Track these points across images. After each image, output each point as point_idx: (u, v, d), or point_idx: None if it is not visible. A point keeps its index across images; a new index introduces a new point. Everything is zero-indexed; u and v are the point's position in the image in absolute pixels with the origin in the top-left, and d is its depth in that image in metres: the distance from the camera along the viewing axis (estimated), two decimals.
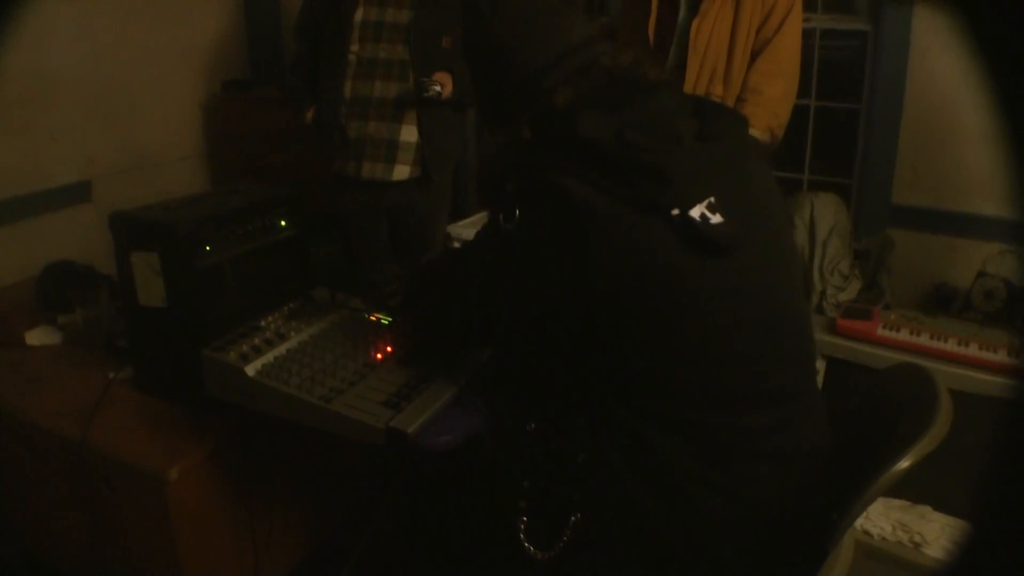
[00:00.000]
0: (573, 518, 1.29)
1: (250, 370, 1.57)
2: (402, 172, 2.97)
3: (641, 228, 1.18)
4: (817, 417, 1.34)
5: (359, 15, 2.93)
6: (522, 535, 1.35)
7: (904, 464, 1.19)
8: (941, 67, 3.27)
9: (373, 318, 1.81)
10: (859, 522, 1.64)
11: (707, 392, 1.23)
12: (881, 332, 2.77)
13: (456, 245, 3.42)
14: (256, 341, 1.66)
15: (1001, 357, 2.60)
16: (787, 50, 2.39)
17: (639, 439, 1.23)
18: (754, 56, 2.40)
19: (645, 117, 1.25)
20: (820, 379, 2.09)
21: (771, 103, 2.35)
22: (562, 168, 1.20)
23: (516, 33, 1.39)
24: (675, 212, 1.17)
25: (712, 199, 1.19)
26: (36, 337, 2.20)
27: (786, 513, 1.26)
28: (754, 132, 1.49)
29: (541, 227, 1.23)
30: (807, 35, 3.32)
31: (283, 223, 1.96)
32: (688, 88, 2.38)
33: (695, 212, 1.17)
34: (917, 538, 2.33)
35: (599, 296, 1.20)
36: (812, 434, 1.32)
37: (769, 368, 1.27)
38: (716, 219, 1.18)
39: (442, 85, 2.84)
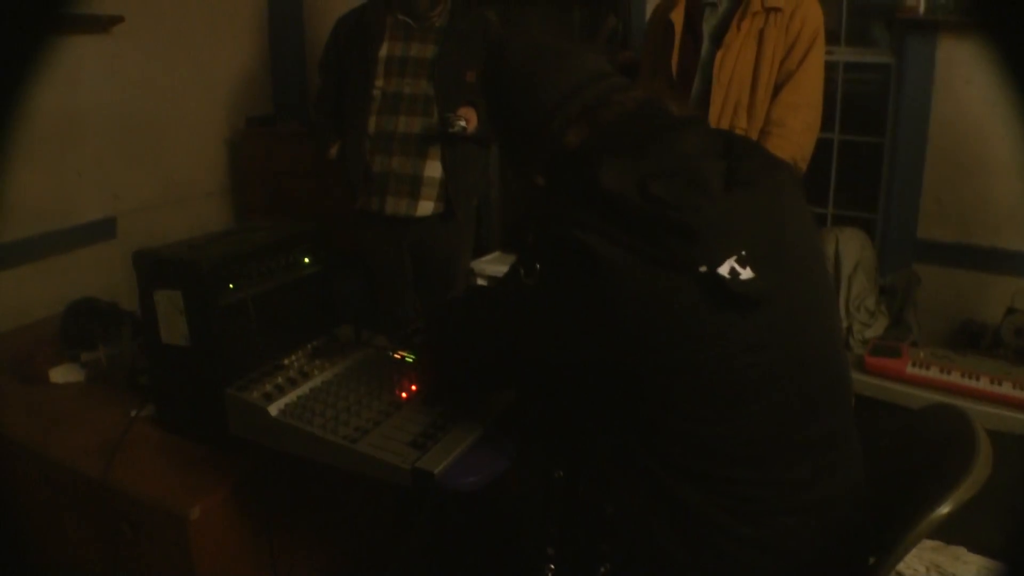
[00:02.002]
0: (602, 568, 1.26)
1: (273, 410, 1.56)
2: (426, 208, 2.97)
3: (666, 286, 1.13)
4: (852, 462, 1.30)
5: (384, 50, 2.95)
6: None
7: (944, 510, 1.16)
8: (965, 99, 3.26)
9: (398, 356, 1.79)
10: None
11: (739, 448, 1.19)
12: (911, 370, 2.73)
13: (481, 282, 3.42)
14: (279, 380, 1.65)
15: None
16: (810, 82, 2.38)
17: (669, 493, 1.20)
18: (777, 88, 2.40)
19: (670, 163, 1.20)
20: None
21: (795, 135, 2.34)
22: (584, 222, 1.16)
23: (523, 77, 1.36)
24: (703, 269, 1.12)
25: (743, 252, 1.14)
26: (60, 375, 2.20)
27: (819, 560, 1.23)
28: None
29: (562, 284, 1.19)
30: (830, 68, 3.31)
31: (307, 260, 1.96)
32: (712, 121, 2.38)
33: (724, 268, 1.12)
34: None
35: (623, 354, 1.17)
36: (846, 480, 1.28)
37: (803, 420, 1.22)
38: (746, 273, 1.13)
39: (467, 120, 2.84)
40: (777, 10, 2.34)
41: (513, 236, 1.31)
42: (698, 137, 1.27)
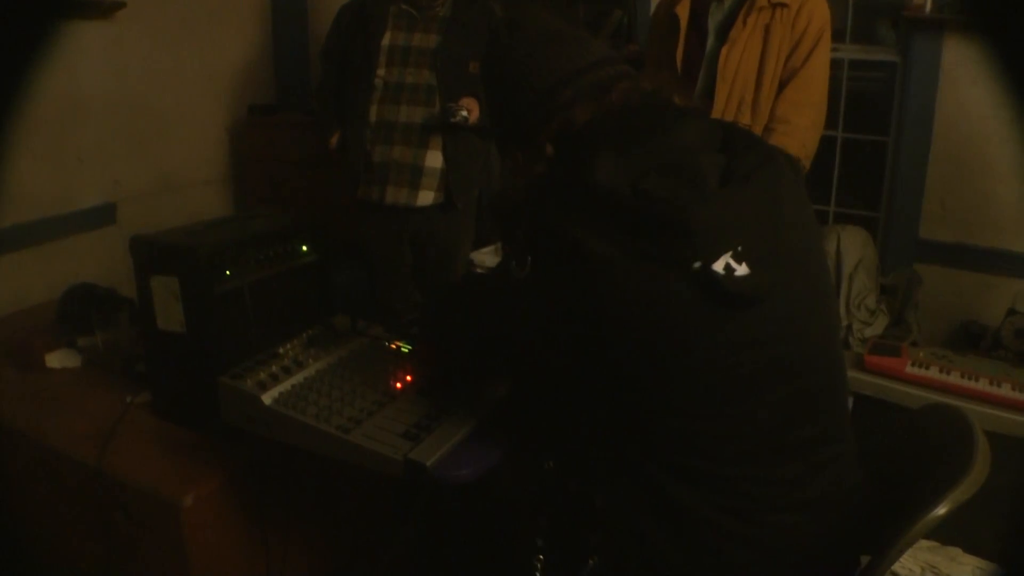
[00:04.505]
0: (591, 561, 1.26)
1: (267, 398, 1.55)
2: (426, 198, 2.96)
3: (658, 283, 1.11)
4: (847, 461, 1.29)
5: (386, 39, 2.94)
6: (538, 573, 1.33)
7: (941, 511, 1.15)
8: (971, 99, 3.25)
9: (393, 346, 1.79)
10: None
11: (732, 445, 1.17)
12: (910, 370, 2.72)
13: (479, 270, 3.41)
14: (274, 369, 1.64)
15: None
16: (816, 79, 2.37)
17: (659, 488, 1.19)
18: (782, 85, 2.38)
19: (667, 157, 1.18)
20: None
21: (799, 133, 2.33)
22: (576, 217, 1.15)
23: (533, 52, 1.35)
24: (696, 266, 1.10)
25: (739, 248, 1.12)
26: (56, 360, 2.19)
27: (809, 559, 1.22)
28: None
29: (553, 279, 1.18)
30: (835, 65, 3.30)
31: (304, 248, 1.95)
32: (716, 117, 2.36)
33: (718, 265, 1.10)
34: None
35: (614, 349, 1.15)
36: (841, 480, 1.26)
37: (798, 419, 1.21)
38: (742, 270, 1.11)
39: (469, 110, 2.84)
40: (783, 6, 2.32)
41: (503, 225, 1.29)
42: (698, 130, 1.25)
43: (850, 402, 2.71)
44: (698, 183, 1.15)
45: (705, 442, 1.17)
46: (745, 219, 1.15)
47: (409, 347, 1.77)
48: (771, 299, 1.15)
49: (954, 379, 2.67)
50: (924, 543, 2.38)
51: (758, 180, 1.19)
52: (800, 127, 2.33)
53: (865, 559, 1.25)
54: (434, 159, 2.93)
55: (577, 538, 1.29)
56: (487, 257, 3.51)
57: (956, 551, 2.38)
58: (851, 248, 3.14)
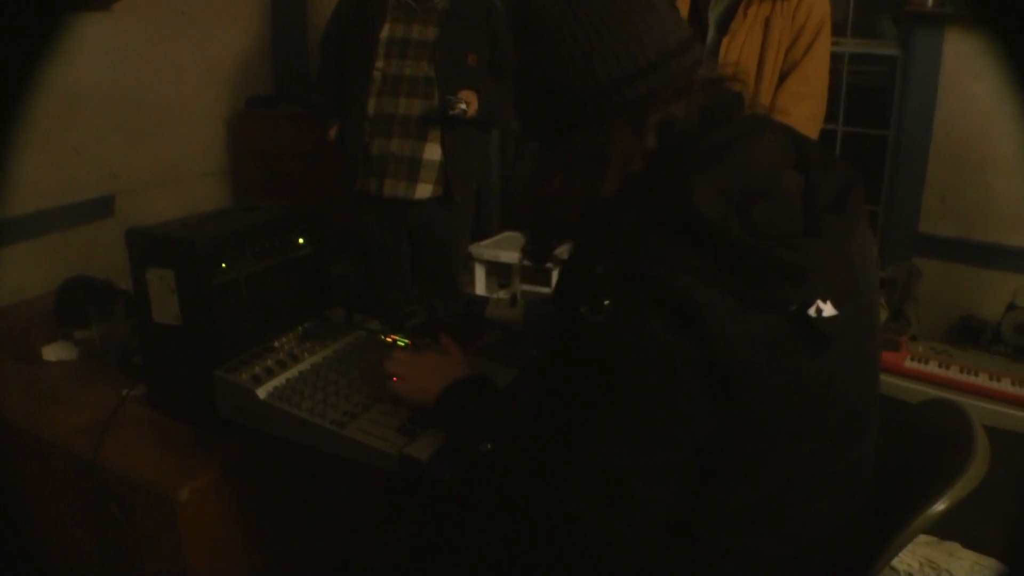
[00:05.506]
0: None
1: (261, 392, 1.54)
2: (424, 190, 2.96)
3: (758, 326, 1.00)
4: (870, 480, 1.25)
5: (385, 31, 2.93)
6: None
7: (940, 507, 1.15)
8: (972, 94, 3.24)
9: (389, 339, 1.77)
10: None
11: (777, 492, 1.11)
12: (909, 364, 2.72)
13: (479, 266, 3.39)
14: (269, 362, 1.63)
15: None
16: (816, 71, 2.36)
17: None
18: (782, 77, 2.38)
19: (751, 178, 1.05)
20: None
21: (799, 125, 2.29)
22: (672, 259, 0.98)
23: (626, 14, 1.08)
24: (793, 308, 1.01)
25: (829, 287, 1.04)
26: (53, 352, 2.18)
27: (826, 564, 1.20)
28: None
29: (645, 330, 0.99)
30: (836, 59, 3.29)
31: (301, 241, 1.94)
32: None
33: (812, 308, 1.01)
34: None
35: (725, 403, 1.02)
36: (861, 497, 1.23)
37: (834, 456, 1.14)
38: (829, 310, 1.02)
39: (467, 103, 2.83)
40: None
41: (541, 227, 1.10)
42: (775, 143, 1.14)
43: None
44: (793, 215, 1.05)
45: (754, 488, 1.10)
46: (834, 255, 1.06)
47: (405, 341, 1.76)
48: (844, 339, 1.07)
49: (953, 374, 2.68)
50: (922, 538, 2.37)
51: (846, 212, 1.09)
52: (800, 119, 2.32)
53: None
54: (432, 152, 2.92)
55: None
56: (486, 250, 3.50)
57: (954, 546, 2.37)
58: None
